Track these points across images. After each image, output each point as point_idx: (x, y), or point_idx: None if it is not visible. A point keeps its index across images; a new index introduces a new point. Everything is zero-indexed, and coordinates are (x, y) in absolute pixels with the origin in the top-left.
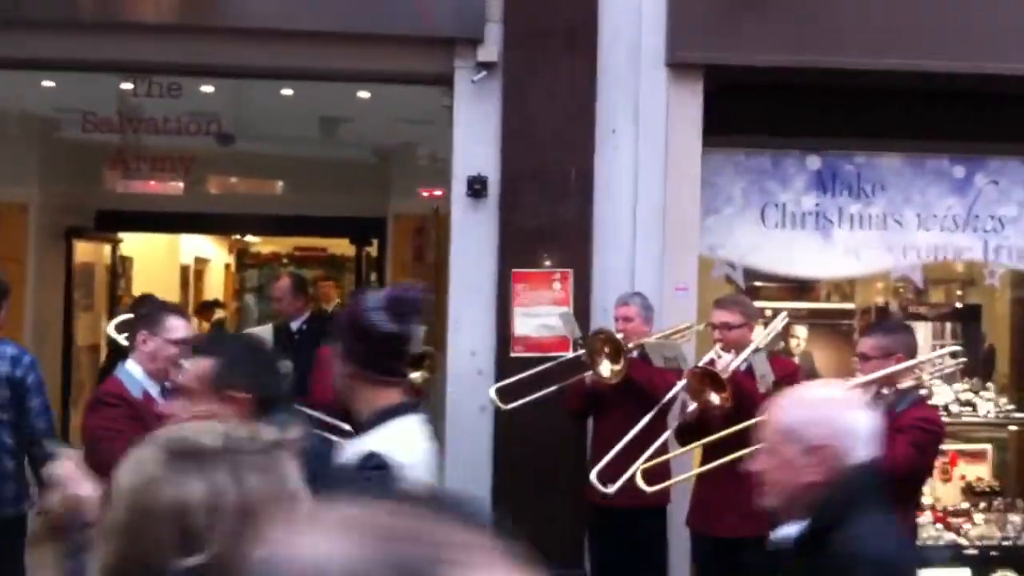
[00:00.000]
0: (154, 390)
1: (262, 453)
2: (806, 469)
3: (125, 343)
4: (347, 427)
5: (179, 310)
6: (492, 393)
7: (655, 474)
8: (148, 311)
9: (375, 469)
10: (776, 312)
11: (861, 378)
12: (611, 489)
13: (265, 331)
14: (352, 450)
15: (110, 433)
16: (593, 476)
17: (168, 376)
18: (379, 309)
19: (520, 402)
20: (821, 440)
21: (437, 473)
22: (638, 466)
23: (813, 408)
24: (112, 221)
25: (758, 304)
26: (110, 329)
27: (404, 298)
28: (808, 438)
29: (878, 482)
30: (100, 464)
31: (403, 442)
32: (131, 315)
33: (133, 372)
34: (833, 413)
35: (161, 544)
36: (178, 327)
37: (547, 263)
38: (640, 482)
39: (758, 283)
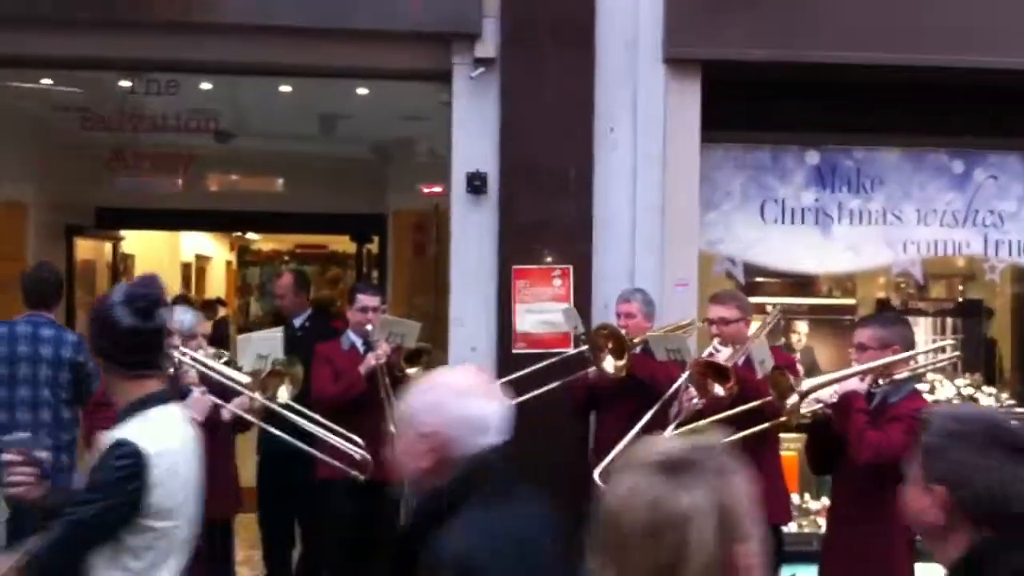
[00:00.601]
0: None
1: (720, 459)
2: (421, 455)
3: None
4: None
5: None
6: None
7: None
8: None
9: (121, 458)
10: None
11: (858, 367)
12: None
13: (275, 334)
14: (103, 442)
15: None
16: (596, 475)
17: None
18: (119, 304)
19: (523, 398)
20: (429, 427)
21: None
22: None
23: (426, 394)
24: (112, 219)
25: (759, 300)
26: None
27: (142, 294)
28: (419, 424)
29: (490, 472)
30: None
31: (153, 432)
32: None
33: None
34: (447, 400)
35: (674, 557)
36: None
37: (547, 259)
38: None
39: (759, 279)
